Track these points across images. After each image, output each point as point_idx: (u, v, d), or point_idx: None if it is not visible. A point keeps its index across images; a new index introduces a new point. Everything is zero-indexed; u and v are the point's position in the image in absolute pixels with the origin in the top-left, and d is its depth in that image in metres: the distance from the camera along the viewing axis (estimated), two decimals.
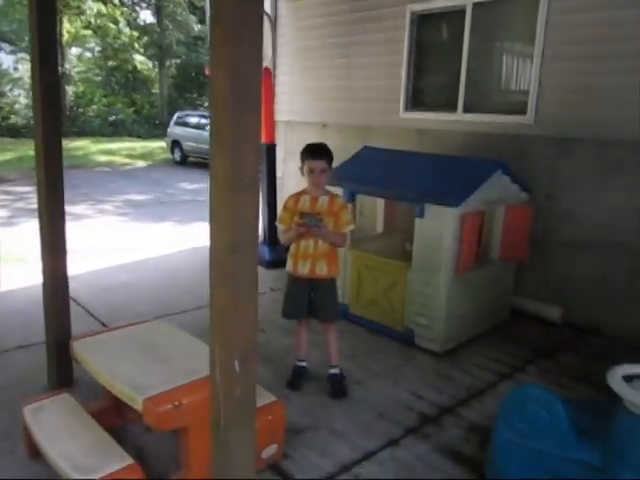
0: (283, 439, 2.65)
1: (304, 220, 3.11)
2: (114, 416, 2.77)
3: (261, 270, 5.76)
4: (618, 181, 4.19)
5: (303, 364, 3.44)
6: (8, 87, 25.84)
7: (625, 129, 4.08)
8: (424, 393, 3.35)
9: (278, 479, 2.52)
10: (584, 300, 4.44)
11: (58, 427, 2.43)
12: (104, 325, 3.99)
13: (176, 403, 2.17)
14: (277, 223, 3.33)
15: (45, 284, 3.11)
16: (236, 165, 1.48)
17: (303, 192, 3.26)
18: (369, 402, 3.22)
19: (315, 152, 3.19)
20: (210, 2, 1.51)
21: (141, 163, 17.32)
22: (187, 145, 16.44)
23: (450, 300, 3.82)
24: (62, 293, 3.14)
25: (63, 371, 3.15)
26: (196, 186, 12.42)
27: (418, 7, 5.33)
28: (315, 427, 2.94)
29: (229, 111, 1.45)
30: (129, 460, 2.21)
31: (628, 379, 2.29)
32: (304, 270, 3.22)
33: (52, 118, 2.94)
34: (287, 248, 3.33)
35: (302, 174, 3.24)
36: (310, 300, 3.29)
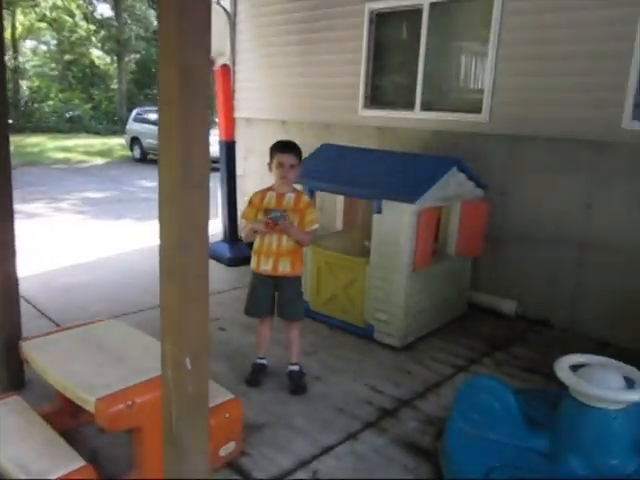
0: (241, 436, 2.64)
1: (270, 216, 3.08)
2: (67, 418, 2.71)
3: (222, 268, 5.73)
4: (569, 178, 4.32)
5: (263, 361, 3.43)
6: None
7: (574, 127, 4.21)
8: (383, 387, 3.40)
9: (236, 477, 2.52)
10: (537, 293, 4.58)
11: (8, 430, 2.36)
12: (57, 326, 3.89)
13: (129, 403, 2.15)
14: (241, 218, 3.32)
15: None
16: (185, 163, 1.48)
17: (269, 189, 3.25)
18: (329, 398, 3.24)
19: (285, 147, 3.20)
20: None
21: (99, 160, 16.95)
22: (147, 142, 16.10)
23: (408, 295, 3.88)
24: (11, 293, 3.05)
25: (13, 373, 3.07)
26: (155, 184, 11.96)
27: (376, 6, 5.37)
28: (274, 424, 2.94)
29: (177, 108, 1.44)
30: (81, 462, 2.17)
31: (575, 368, 2.38)
32: (267, 267, 3.20)
33: None
34: (251, 245, 3.31)
35: (270, 170, 3.22)
36: (274, 298, 3.28)
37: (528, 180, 4.53)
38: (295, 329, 3.38)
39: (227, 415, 2.52)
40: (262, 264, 3.21)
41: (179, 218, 1.50)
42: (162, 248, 1.56)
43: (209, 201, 1.56)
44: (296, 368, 3.38)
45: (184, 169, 1.47)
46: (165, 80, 1.46)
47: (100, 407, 2.12)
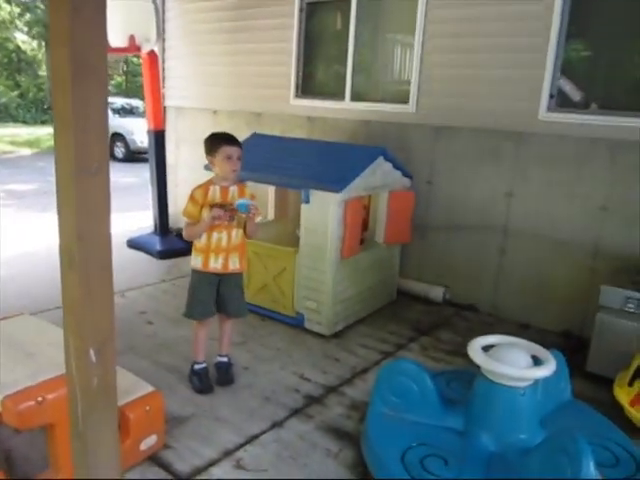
0: (163, 429, 2.60)
1: (238, 204, 2.94)
2: None
3: (152, 261, 5.61)
4: (492, 167, 4.48)
5: (204, 365, 3.26)
6: None
7: (497, 119, 4.37)
8: (311, 375, 3.43)
9: (156, 469, 2.48)
10: (462, 279, 4.74)
11: None
12: None
13: (39, 399, 2.07)
14: (183, 216, 3.07)
15: None
16: (81, 149, 1.42)
17: (209, 183, 3.08)
18: (256, 387, 3.25)
19: (230, 139, 3.04)
20: None
21: (26, 151, 16.15)
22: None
23: (337, 284, 3.93)
24: None
25: None
26: None
27: None
28: (199, 415, 2.92)
29: (70, 92, 1.38)
30: None
31: (486, 349, 2.48)
32: (217, 265, 3.07)
33: None
34: (188, 241, 3.14)
35: (212, 164, 3.05)
36: (218, 296, 3.17)
37: (453, 169, 4.67)
38: (230, 322, 3.32)
39: (147, 408, 2.47)
40: (212, 262, 3.06)
41: (76, 206, 1.45)
42: (61, 237, 1.51)
43: (109, 189, 1.51)
44: (225, 359, 3.35)
45: (81, 155, 1.43)
46: (57, 63, 1.40)
47: (7, 405, 2.04)
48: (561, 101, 4.14)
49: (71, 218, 1.46)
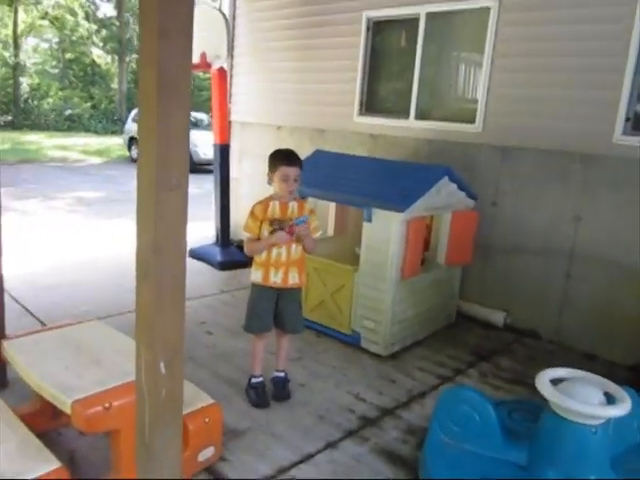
0: (220, 442, 2.62)
1: (293, 222, 2.98)
2: (47, 419, 2.69)
3: (212, 271, 5.72)
4: (559, 189, 4.33)
5: (261, 379, 3.27)
6: None
7: (566, 140, 4.23)
8: (366, 396, 3.38)
9: None
10: (524, 304, 4.58)
11: None
12: (42, 324, 3.88)
13: (106, 405, 2.13)
14: (244, 231, 3.12)
15: None
16: (163, 163, 1.47)
17: (269, 198, 3.13)
18: (311, 405, 3.23)
19: (291, 158, 3.05)
20: None
21: (96, 159, 16.93)
22: None
23: (396, 304, 3.88)
24: None
25: None
26: None
27: (374, 14, 5.39)
28: (255, 430, 2.93)
29: (156, 107, 1.43)
30: (56, 464, 2.14)
31: (555, 382, 2.37)
32: (277, 279, 3.09)
33: None
34: (249, 256, 3.17)
35: (270, 180, 3.09)
36: (276, 311, 3.18)
37: (519, 191, 4.54)
38: (288, 338, 3.34)
39: (207, 420, 2.50)
40: (272, 276, 3.08)
41: (156, 219, 1.49)
42: (138, 249, 1.55)
43: (187, 203, 1.55)
44: (282, 375, 3.36)
45: (162, 170, 1.47)
46: (144, 81, 1.45)
47: (77, 409, 2.11)
48: (635, 124, 3.97)
49: (149, 231, 1.50)
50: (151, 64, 1.43)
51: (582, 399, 2.19)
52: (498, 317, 4.66)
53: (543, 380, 2.34)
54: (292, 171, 3.03)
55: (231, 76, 6.68)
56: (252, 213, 3.09)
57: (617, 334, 4.09)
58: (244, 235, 3.15)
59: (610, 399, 2.28)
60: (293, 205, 3.12)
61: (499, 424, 2.43)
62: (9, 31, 26.12)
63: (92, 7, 28.77)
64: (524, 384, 3.61)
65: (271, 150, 3.18)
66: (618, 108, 3.97)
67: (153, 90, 1.43)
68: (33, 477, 2.07)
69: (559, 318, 4.41)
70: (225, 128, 5.97)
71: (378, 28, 5.48)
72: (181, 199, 1.53)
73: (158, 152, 1.45)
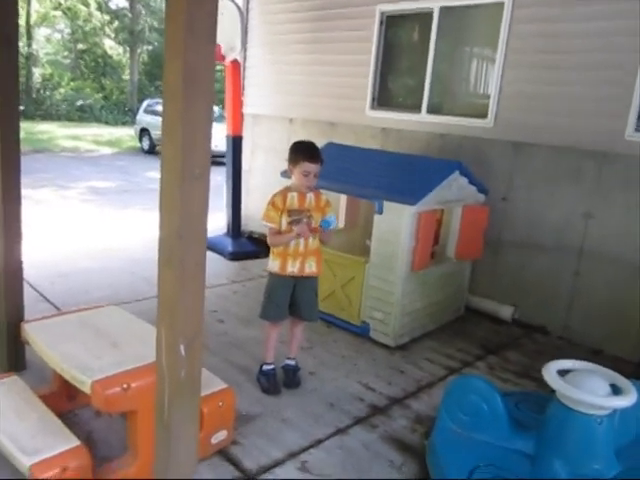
0: (233, 425, 2.69)
1: (321, 223, 3.11)
2: (64, 400, 2.77)
3: (222, 261, 5.79)
4: (571, 186, 4.35)
5: (273, 366, 3.34)
6: None
7: (578, 137, 4.24)
8: (375, 385, 3.44)
9: (226, 464, 2.57)
10: (533, 299, 4.61)
11: (5, 409, 2.42)
12: (58, 310, 3.96)
13: (125, 386, 2.20)
14: (265, 222, 3.15)
15: None
16: (186, 153, 1.52)
17: (287, 190, 3.17)
18: (321, 392, 3.29)
19: (314, 155, 3.08)
20: None
21: (107, 150, 17.04)
22: (156, 134, 16.09)
23: (405, 296, 3.92)
24: (15, 277, 3.11)
25: (15, 354, 3.12)
26: None
27: (387, 8, 5.41)
28: (266, 415, 3.00)
29: (180, 99, 1.49)
30: (75, 442, 2.22)
31: (562, 373, 2.42)
32: (294, 269, 3.16)
33: (9, 98, 2.90)
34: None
35: (290, 172, 3.14)
36: (292, 299, 3.24)
37: (531, 187, 4.56)
38: (301, 326, 3.40)
39: (220, 404, 2.57)
40: (289, 266, 3.15)
41: (179, 207, 1.54)
42: (161, 236, 1.61)
43: (209, 192, 1.61)
44: (293, 363, 3.42)
45: (186, 161, 1.52)
46: (169, 74, 1.51)
47: (96, 389, 2.17)
48: None
49: (174, 218, 1.56)
50: (177, 57, 1.49)
51: (588, 390, 2.24)
52: (507, 312, 4.69)
53: (550, 371, 2.38)
54: (314, 168, 3.08)
55: (244, 68, 6.72)
56: (273, 203, 3.14)
57: (625, 331, 4.12)
58: (264, 225, 3.19)
59: (616, 390, 2.32)
60: (310, 196, 3.18)
61: (507, 414, 2.48)
62: (22, 21, 26.22)
63: None
64: (531, 378, 3.65)
65: (283, 143, 3.23)
66: (630, 105, 3.98)
67: (178, 83, 1.49)
68: (53, 454, 2.15)
69: (568, 314, 4.44)
70: (238, 120, 6.02)
71: (391, 22, 5.49)
72: (203, 189, 1.60)
73: (184, 142, 1.51)
